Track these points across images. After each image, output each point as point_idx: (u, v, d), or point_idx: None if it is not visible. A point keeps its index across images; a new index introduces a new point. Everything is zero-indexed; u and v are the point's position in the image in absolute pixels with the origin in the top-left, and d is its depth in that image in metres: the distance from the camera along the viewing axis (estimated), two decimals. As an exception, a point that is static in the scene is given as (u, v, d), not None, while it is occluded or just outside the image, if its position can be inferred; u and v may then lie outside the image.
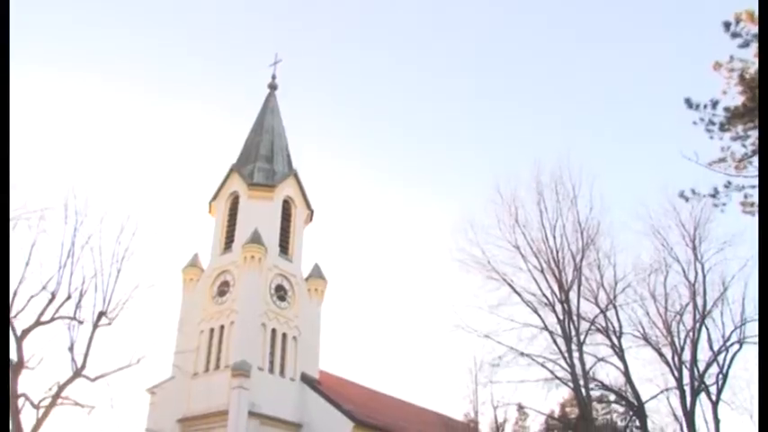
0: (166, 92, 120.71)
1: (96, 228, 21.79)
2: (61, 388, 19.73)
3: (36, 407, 19.27)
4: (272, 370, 31.10)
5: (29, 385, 21.20)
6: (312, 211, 37.40)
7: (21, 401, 19.00)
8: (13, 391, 18.98)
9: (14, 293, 19.56)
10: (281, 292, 33.16)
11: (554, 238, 29.22)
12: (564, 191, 29.77)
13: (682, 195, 17.03)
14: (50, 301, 20.41)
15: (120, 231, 22.21)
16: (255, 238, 32.24)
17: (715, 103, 14.83)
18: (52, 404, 19.47)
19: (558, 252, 29.09)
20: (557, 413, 44.27)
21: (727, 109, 14.76)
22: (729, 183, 15.49)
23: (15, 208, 19.63)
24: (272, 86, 40.75)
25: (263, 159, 36.43)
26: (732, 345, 25.92)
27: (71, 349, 20.50)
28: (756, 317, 18.19)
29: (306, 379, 32.23)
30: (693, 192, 16.63)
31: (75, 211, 21.41)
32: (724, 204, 16.41)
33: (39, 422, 19.11)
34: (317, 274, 35.35)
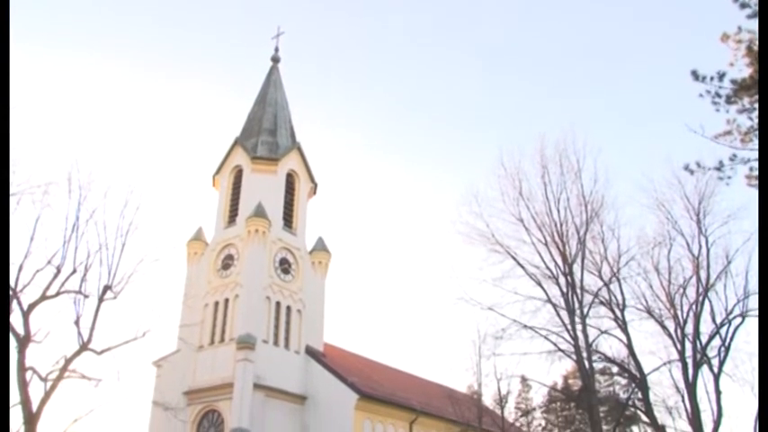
0: (169, 66, 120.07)
1: (100, 202, 21.81)
2: (68, 361, 19.89)
3: (44, 380, 19.45)
4: (276, 343, 31.31)
5: (36, 359, 21.38)
6: (316, 185, 37.39)
7: (29, 375, 19.17)
8: (21, 364, 19.18)
9: (20, 268, 19.69)
10: (285, 266, 33.27)
11: (558, 211, 29.16)
12: (568, 164, 29.65)
13: (686, 168, 16.91)
14: (56, 275, 20.49)
15: (124, 205, 22.23)
16: (259, 212, 32.28)
17: (722, 75, 14.67)
18: (59, 377, 19.64)
19: (561, 225, 29.05)
20: (559, 385, 44.72)
21: (733, 81, 14.60)
22: (735, 156, 15.37)
23: (19, 183, 19.64)
24: (275, 59, 40.56)
25: (266, 133, 36.36)
26: (735, 318, 25.96)
27: (77, 323, 20.63)
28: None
29: (310, 351, 32.46)
30: (698, 165, 16.51)
31: (78, 186, 21.41)
32: (729, 177, 16.29)
33: (47, 395, 19.29)
34: (320, 247, 35.45)
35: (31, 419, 18.81)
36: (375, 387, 32.85)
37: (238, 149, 35.71)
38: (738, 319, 25.78)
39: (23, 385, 19.00)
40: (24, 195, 19.68)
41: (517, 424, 38.46)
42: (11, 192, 19.01)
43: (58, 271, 20.57)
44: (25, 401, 18.93)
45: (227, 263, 32.82)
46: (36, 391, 19.37)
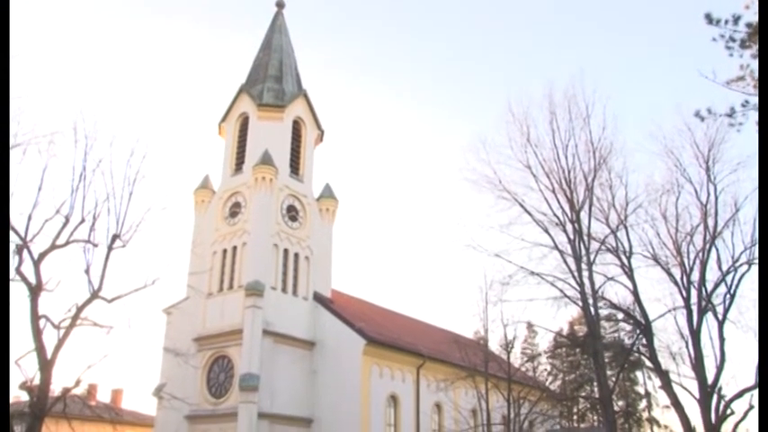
0: (174, 13, 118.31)
1: (107, 151, 21.71)
2: (79, 309, 20.09)
3: (57, 327, 19.68)
4: (284, 289, 31.60)
5: (49, 307, 21.65)
6: (322, 132, 37.19)
7: (42, 323, 19.42)
8: (34, 312, 19.42)
9: (29, 217, 19.74)
10: (292, 213, 33.34)
11: (566, 157, 28.94)
12: (577, 110, 29.30)
13: (697, 115, 16.63)
14: (65, 224, 20.53)
15: (131, 154, 22.12)
16: (266, 159, 32.20)
17: (737, 19, 14.31)
18: (72, 325, 19.86)
19: (569, 172, 28.88)
20: (565, 331, 45.19)
21: (749, 24, 14.25)
22: (747, 102, 15.11)
23: (24, 133, 19.54)
24: (280, 4, 39.93)
25: (272, 80, 36.00)
26: (741, 265, 25.90)
27: (87, 272, 20.76)
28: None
29: (318, 298, 32.79)
30: (709, 111, 16.24)
31: (84, 135, 21.27)
32: (740, 124, 16.04)
33: (60, 342, 19.56)
34: (327, 194, 35.47)
35: (45, 366, 19.13)
36: (382, 332, 33.25)
37: (244, 97, 35.43)
38: (745, 267, 25.77)
39: (37, 333, 19.27)
40: (30, 145, 19.60)
41: (523, 369, 38.93)
42: (16, 142, 18.97)
43: (67, 220, 20.62)
44: (40, 349, 19.21)
45: (235, 210, 32.90)
46: (50, 338, 19.65)
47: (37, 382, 19.17)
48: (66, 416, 20.47)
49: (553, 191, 28.93)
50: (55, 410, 20.12)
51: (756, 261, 25.59)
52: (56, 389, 21.92)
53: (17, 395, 29.09)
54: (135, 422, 42.63)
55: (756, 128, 15.66)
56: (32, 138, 19.67)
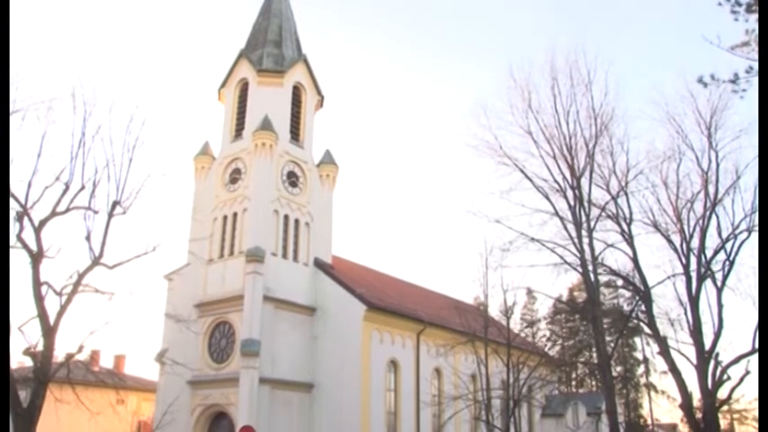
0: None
1: (106, 117, 21.59)
2: (81, 276, 20.15)
3: (59, 294, 19.77)
4: (285, 255, 31.67)
5: (50, 274, 21.76)
6: (322, 97, 36.95)
7: (44, 289, 19.51)
8: (36, 279, 19.49)
9: (29, 184, 19.70)
10: (292, 179, 33.28)
11: (567, 123, 28.81)
12: (579, 76, 29.09)
13: (700, 81, 16.47)
14: (65, 191, 20.49)
15: (130, 121, 21.98)
16: (266, 125, 32.03)
17: (743, -18, 14.12)
18: (73, 291, 19.94)
19: (570, 138, 28.77)
20: (565, 297, 45.43)
21: (756, -12, 14.07)
22: (751, 68, 14.95)
23: (23, 99, 19.42)
24: (278, -32, 39.27)
25: (271, 44, 35.64)
26: (741, 233, 25.91)
27: (88, 238, 20.77)
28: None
29: (319, 264, 32.88)
30: (713, 77, 16.09)
31: (83, 101, 21.12)
32: (744, 90, 15.90)
33: (62, 308, 19.66)
34: (328, 160, 35.36)
35: (48, 332, 19.27)
36: (383, 298, 33.42)
37: (243, 62, 35.10)
38: (744, 234, 25.79)
39: (39, 299, 19.38)
40: (29, 111, 19.48)
41: (522, 335, 39.27)
42: (15, 108, 18.85)
43: (67, 187, 20.58)
44: (42, 315, 19.33)
45: (235, 177, 32.83)
46: (52, 305, 19.76)
47: (40, 348, 19.33)
48: (69, 381, 20.67)
49: (554, 157, 28.87)
50: (58, 376, 20.34)
51: (756, 228, 25.64)
52: (59, 355, 22.09)
53: (21, 361, 29.40)
54: (138, 387, 43.12)
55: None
56: (31, 104, 19.57)
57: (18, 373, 22.70)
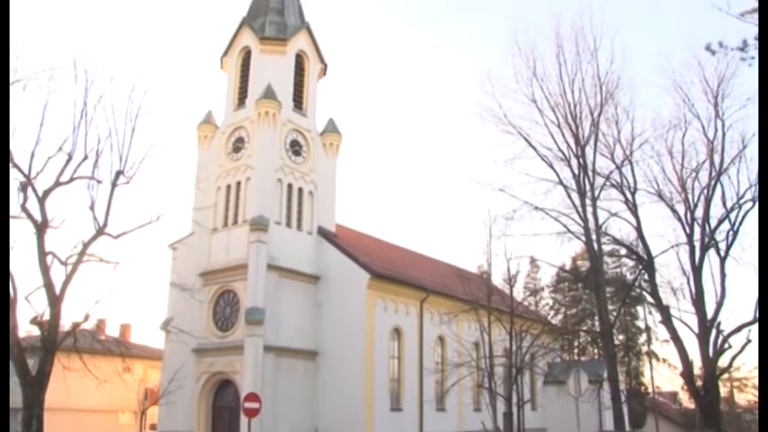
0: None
1: (107, 87, 21.49)
2: (86, 245, 20.21)
3: (64, 264, 19.86)
4: (289, 224, 31.73)
5: (56, 244, 21.83)
6: (326, 65, 36.67)
7: (49, 259, 19.59)
8: (41, 249, 19.57)
9: (32, 155, 19.66)
10: (296, 147, 33.20)
11: (572, 92, 28.66)
12: (584, 43, 28.86)
13: (708, 48, 16.29)
14: (68, 161, 20.46)
15: (132, 90, 21.87)
16: (269, 94, 31.84)
17: (754, -56, 13.89)
18: (78, 261, 20.03)
19: (575, 106, 28.64)
20: (568, 266, 45.55)
21: (768, -51, 13.84)
22: (761, 35, 14.82)
23: (24, 68, 19.30)
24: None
25: (273, 12, 35.25)
26: (746, 202, 25.89)
27: (92, 208, 20.80)
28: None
29: (322, 232, 32.95)
30: (720, 45, 15.91)
31: (84, 71, 20.98)
32: (752, 58, 15.72)
33: (68, 278, 19.77)
34: (331, 128, 35.22)
35: (54, 301, 19.40)
36: (386, 267, 33.54)
37: (246, 30, 34.76)
38: (749, 204, 25.76)
39: (45, 269, 19.47)
40: (30, 81, 19.37)
41: (525, 303, 39.44)
42: (16, 77, 18.75)
43: (70, 157, 20.55)
44: (48, 285, 19.45)
45: (238, 146, 32.74)
46: (57, 274, 19.87)
47: (47, 317, 19.49)
48: (76, 350, 20.89)
49: (558, 125, 28.76)
50: (66, 345, 20.53)
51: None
52: (66, 324, 22.29)
53: (29, 330, 29.66)
54: (144, 355, 43.57)
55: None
56: (32, 73, 19.46)
57: (26, 342, 22.90)
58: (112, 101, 21.66)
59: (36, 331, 21.61)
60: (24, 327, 25.82)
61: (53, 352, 19.30)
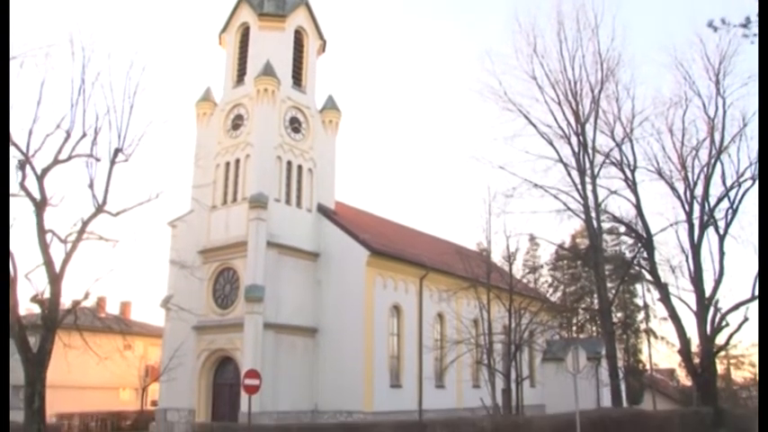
0: None
1: (105, 64, 21.36)
2: (85, 223, 20.16)
3: (63, 242, 19.83)
4: (288, 201, 31.70)
5: (55, 222, 21.80)
6: (325, 42, 36.41)
7: (48, 237, 19.56)
8: (41, 227, 19.54)
9: (30, 132, 19.53)
10: (295, 125, 33.08)
11: (573, 69, 28.60)
12: (585, 20, 28.76)
13: (710, 25, 16.19)
14: (66, 139, 20.33)
15: (130, 67, 21.70)
16: (268, 71, 31.64)
17: None
18: (78, 239, 20.00)
19: (576, 83, 28.59)
20: (567, 244, 45.59)
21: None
22: (764, 12, 14.70)
23: (20, 45, 19.16)
24: None
25: (272, -13, 34.89)
26: (745, 181, 25.96)
27: (91, 186, 20.71)
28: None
29: (322, 210, 32.94)
30: (723, 21, 15.80)
31: (81, 48, 20.80)
32: (755, 35, 15.65)
33: (67, 256, 19.76)
34: (330, 105, 35.08)
35: (55, 279, 19.41)
36: (386, 244, 33.56)
37: (244, 6, 34.43)
38: (749, 182, 25.82)
39: (45, 247, 19.45)
40: (27, 58, 19.19)
41: (524, 280, 39.47)
42: (13, 54, 18.59)
43: (68, 135, 20.41)
44: (48, 263, 19.44)
45: (237, 123, 32.61)
46: (57, 252, 19.86)
47: (47, 295, 19.51)
48: (77, 327, 20.96)
49: (559, 103, 28.72)
50: (66, 322, 20.57)
51: (761, 176, 25.59)
52: (66, 302, 22.33)
53: (29, 308, 29.78)
54: (144, 333, 43.75)
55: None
56: (28, 50, 19.28)
57: (27, 320, 23.00)
58: (110, 78, 21.48)
59: (36, 309, 21.69)
60: (25, 305, 25.95)
61: (54, 330, 19.35)
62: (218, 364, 30.39)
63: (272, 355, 28.44)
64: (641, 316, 50.24)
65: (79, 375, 34.54)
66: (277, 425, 24.86)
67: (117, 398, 42.04)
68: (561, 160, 28.40)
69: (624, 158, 28.03)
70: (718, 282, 25.89)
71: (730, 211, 26.26)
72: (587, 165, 27.99)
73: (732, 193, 26.27)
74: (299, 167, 32.70)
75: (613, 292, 30.74)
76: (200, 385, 30.01)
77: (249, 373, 22.38)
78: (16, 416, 20.10)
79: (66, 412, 33.68)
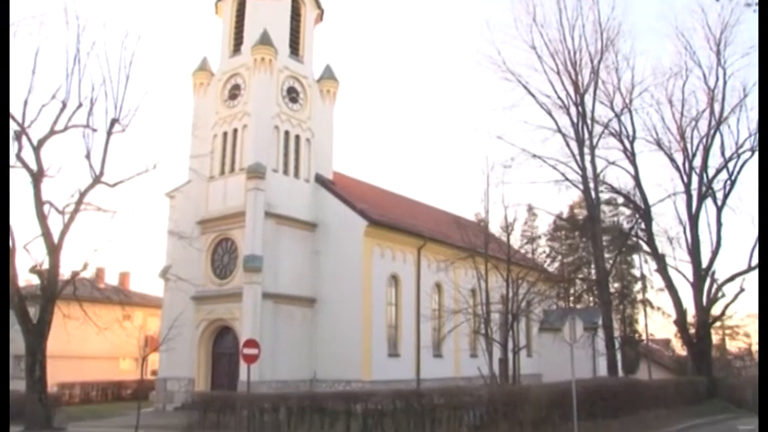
0: None
1: (100, 33, 21.23)
2: (82, 194, 20.19)
3: (61, 212, 19.87)
4: (286, 171, 31.61)
5: (53, 193, 21.78)
6: (322, 11, 36.03)
7: (46, 208, 19.59)
8: (38, 198, 19.54)
9: (25, 103, 19.46)
10: (292, 94, 32.86)
11: (572, 38, 28.36)
12: (586, -13, 28.45)
13: (712, -7, 16.08)
14: (62, 109, 20.30)
15: (125, 36, 21.56)
16: (265, 40, 31.34)
17: None
18: (76, 210, 20.04)
19: (575, 53, 28.36)
20: (565, 214, 45.68)
21: None
22: (768, -21, 14.53)
23: (13, 13, 18.93)
24: None
25: (269, -45, 34.39)
26: (744, 152, 25.93)
27: (88, 157, 20.73)
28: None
29: (320, 180, 32.87)
30: (726, -11, 15.67)
31: (75, 16, 20.63)
32: (757, 3, 15.48)
33: (65, 227, 19.82)
34: (328, 75, 34.82)
35: (53, 250, 19.49)
36: (384, 214, 33.54)
37: (241, -27, 33.98)
38: (748, 154, 25.80)
39: (42, 218, 19.49)
40: (20, 27, 19.05)
41: (522, 251, 39.48)
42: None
43: (64, 105, 20.37)
44: (46, 234, 19.50)
45: (234, 93, 32.38)
46: (55, 223, 19.89)
47: (46, 266, 19.57)
48: (76, 298, 21.08)
49: (558, 73, 28.54)
50: (65, 293, 20.69)
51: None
52: (65, 273, 22.40)
53: (28, 279, 29.85)
54: (143, 303, 43.91)
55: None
56: (22, 19, 19.15)
57: (26, 291, 23.08)
58: (106, 47, 21.57)
59: (36, 280, 21.77)
60: (24, 276, 26.00)
61: (53, 300, 19.46)
62: (217, 333, 30.58)
63: (270, 325, 28.59)
64: (638, 286, 50.49)
65: (79, 346, 34.74)
66: (276, 393, 25.06)
67: (117, 367, 42.35)
68: (560, 130, 28.32)
69: (623, 129, 27.97)
70: (715, 253, 26.00)
71: (729, 182, 26.30)
72: (586, 135, 27.90)
73: (731, 165, 26.29)
74: (297, 137, 32.56)
75: (611, 262, 30.85)
76: (199, 355, 30.23)
77: (248, 342, 22.49)
78: (18, 385, 20.28)
79: (67, 382, 33.98)
